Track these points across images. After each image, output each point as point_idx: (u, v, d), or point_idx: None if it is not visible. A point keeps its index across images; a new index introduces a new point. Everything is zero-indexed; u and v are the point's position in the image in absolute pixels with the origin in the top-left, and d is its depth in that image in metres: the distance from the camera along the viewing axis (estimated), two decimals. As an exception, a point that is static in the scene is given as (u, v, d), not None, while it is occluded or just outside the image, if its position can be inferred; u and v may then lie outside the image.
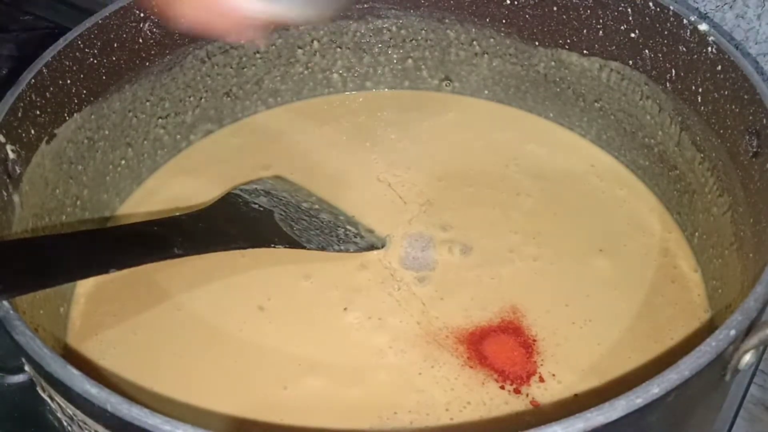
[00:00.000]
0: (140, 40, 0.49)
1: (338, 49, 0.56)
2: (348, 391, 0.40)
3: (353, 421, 0.39)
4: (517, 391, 0.40)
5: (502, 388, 0.40)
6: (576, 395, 0.40)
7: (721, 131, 0.44)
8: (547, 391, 0.40)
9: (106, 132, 0.48)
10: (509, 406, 0.40)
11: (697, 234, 0.47)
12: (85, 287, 0.46)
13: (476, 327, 0.43)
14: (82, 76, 0.45)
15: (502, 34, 0.53)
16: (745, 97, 0.41)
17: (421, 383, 0.41)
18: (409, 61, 0.57)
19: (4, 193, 0.40)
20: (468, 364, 0.41)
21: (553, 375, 0.41)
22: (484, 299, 0.44)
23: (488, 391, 0.40)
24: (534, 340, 0.42)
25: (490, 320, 0.43)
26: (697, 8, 0.52)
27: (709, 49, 0.43)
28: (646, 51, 0.48)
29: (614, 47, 0.49)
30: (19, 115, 0.41)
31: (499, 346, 0.42)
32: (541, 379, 0.41)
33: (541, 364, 0.41)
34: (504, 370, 0.41)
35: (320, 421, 0.39)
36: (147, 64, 0.49)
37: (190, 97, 0.53)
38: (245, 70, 0.54)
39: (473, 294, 0.44)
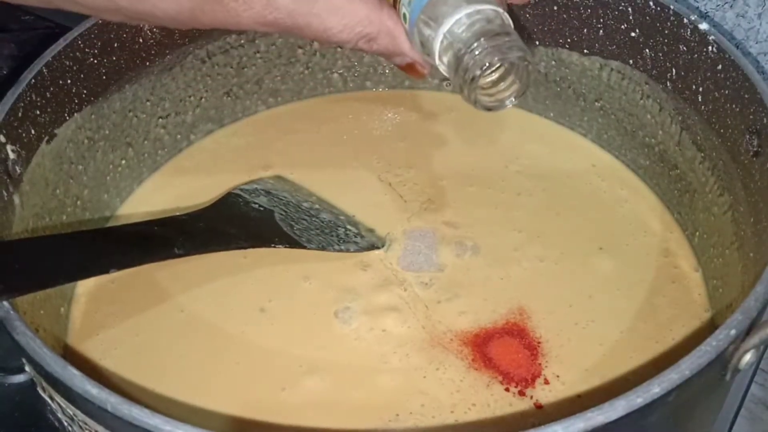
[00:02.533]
0: (140, 40, 0.48)
1: (338, 49, 0.56)
2: (350, 393, 0.40)
3: (355, 423, 0.39)
4: (521, 393, 0.40)
5: (507, 390, 0.40)
6: (579, 396, 0.40)
7: (722, 130, 0.44)
8: (551, 393, 0.40)
9: (107, 132, 0.48)
10: (513, 407, 0.40)
11: (697, 233, 0.47)
12: (85, 287, 0.46)
13: (481, 329, 0.43)
14: (82, 75, 0.45)
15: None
16: (746, 96, 0.41)
17: (426, 386, 0.40)
18: (410, 60, 0.57)
19: (5, 193, 0.40)
20: (473, 366, 0.41)
21: (558, 376, 0.41)
22: (493, 301, 0.44)
23: (493, 393, 0.40)
24: (539, 342, 0.42)
25: (496, 322, 0.43)
26: (697, 7, 0.52)
27: (710, 48, 0.43)
28: (647, 50, 0.48)
29: (615, 46, 0.49)
30: (20, 115, 0.41)
31: (504, 348, 0.42)
32: (546, 381, 0.41)
33: (546, 366, 0.41)
34: (509, 372, 0.41)
35: (321, 422, 0.39)
36: (147, 63, 0.49)
37: (190, 96, 0.53)
38: (245, 69, 0.54)
39: (484, 295, 0.44)
